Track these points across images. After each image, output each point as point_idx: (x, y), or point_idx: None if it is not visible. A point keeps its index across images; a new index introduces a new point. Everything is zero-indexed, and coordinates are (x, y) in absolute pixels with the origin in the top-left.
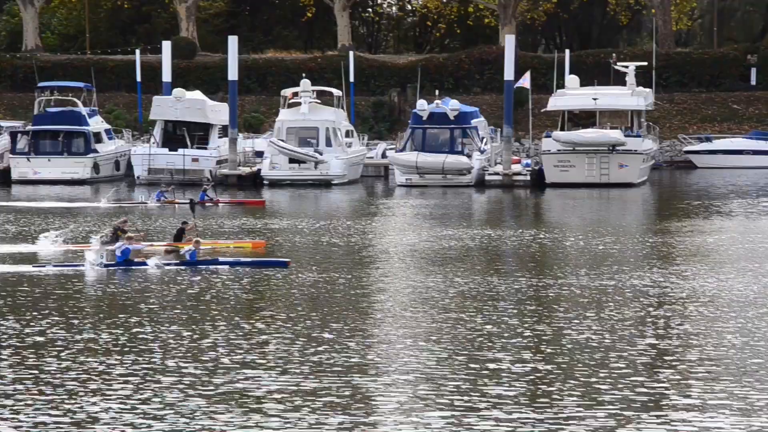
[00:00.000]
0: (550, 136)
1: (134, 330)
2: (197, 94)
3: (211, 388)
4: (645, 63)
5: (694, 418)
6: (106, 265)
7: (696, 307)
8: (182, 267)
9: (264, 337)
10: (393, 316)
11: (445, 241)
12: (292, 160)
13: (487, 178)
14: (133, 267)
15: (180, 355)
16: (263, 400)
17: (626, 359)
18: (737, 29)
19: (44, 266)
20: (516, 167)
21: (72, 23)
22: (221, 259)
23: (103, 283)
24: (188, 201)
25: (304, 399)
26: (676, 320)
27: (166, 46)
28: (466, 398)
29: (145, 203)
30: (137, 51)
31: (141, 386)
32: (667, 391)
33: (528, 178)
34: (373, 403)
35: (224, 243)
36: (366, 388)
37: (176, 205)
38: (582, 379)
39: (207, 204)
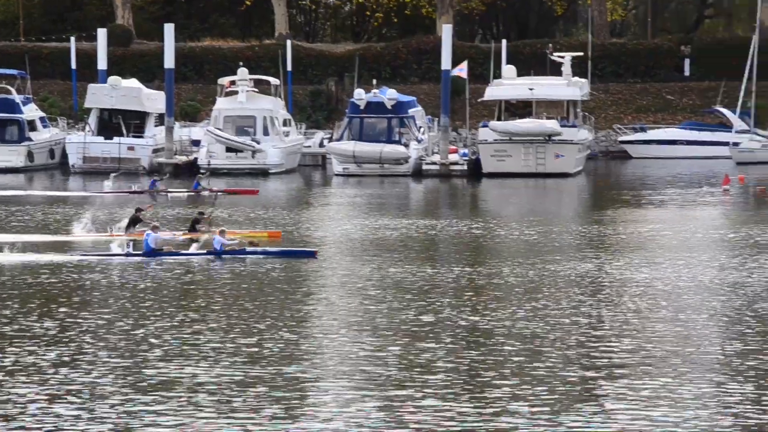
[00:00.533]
0: (486, 126)
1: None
2: (133, 82)
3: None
4: (581, 53)
5: (626, 407)
6: (134, 255)
7: (629, 297)
8: (210, 256)
9: (196, 327)
10: (327, 306)
11: (380, 231)
12: (229, 149)
13: (424, 167)
14: (164, 257)
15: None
16: (184, 391)
17: (560, 348)
18: (671, 20)
19: (71, 254)
20: (453, 157)
21: (5, 10)
22: (248, 248)
23: (136, 272)
24: (190, 190)
25: (237, 389)
26: (609, 309)
27: (102, 33)
28: (400, 388)
29: (141, 192)
30: (72, 38)
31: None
32: (600, 380)
33: (465, 167)
34: (307, 393)
35: (240, 233)
36: (300, 378)
37: (169, 194)
38: (516, 368)
39: (202, 193)
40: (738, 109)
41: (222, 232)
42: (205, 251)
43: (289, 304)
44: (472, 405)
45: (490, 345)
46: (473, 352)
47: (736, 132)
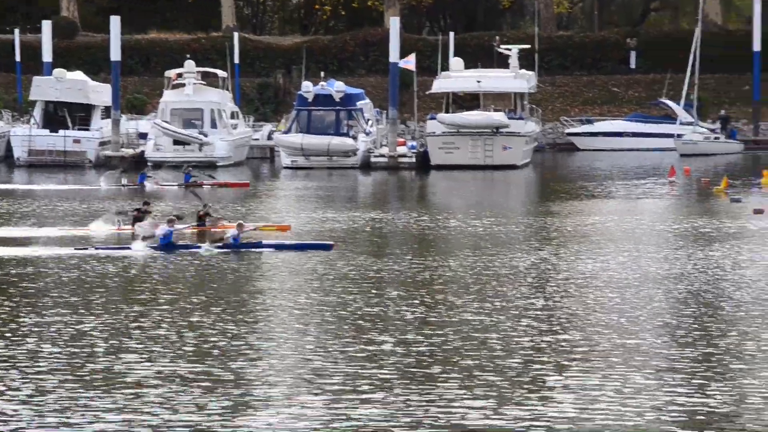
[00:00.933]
0: (434, 119)
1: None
2: (79, 75)
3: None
4: (528, 46)
5: (573, 399)
6: (152, 248)
7: (576, 288)
8: (227, 250)
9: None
10: (274, 299)
11: (328, 224)
12: (176, 142)
13: (373, 160)
14: (182, 250)
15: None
16: (132, 384)
17: (507, 340)
18: (617, 13)
19: (87, 249)
20: (401, 149)
21: None
22: (265, 242)
23: (154, 266)
24: (180, 184)
25: (182, 383)
26: (555, 300)
27: (46, 25)
28: (347, 381)
29: (136, 186)
30: (16, 30)
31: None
32: (547, 372)
33: (413, 160)
34: (254, 387)
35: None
36: (246, 372)
37: (163, 188)
38: (464, 360)
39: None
40: (682, 102)
41: (239, 226)
42: (221, 245)
43: (237, 298)
44: (420, 397)
45: (437, 337)
46: (421, 344)
47: (681, 124)
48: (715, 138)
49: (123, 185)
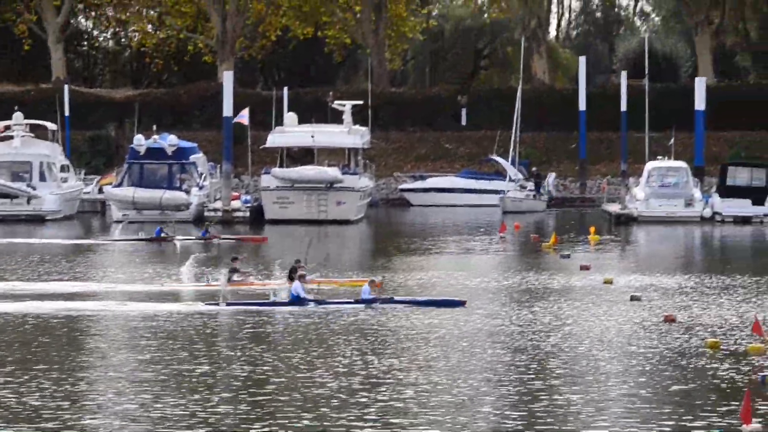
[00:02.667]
0: (269, 173)
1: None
2: None
3: None
4: (361, 102)
5: None
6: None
7: (409, 342)
8: (359, 306)
9: None
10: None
11: (156, 281)
12: (3, 195)
13: (207, 213)
14: (311, 305)
15: None
16: None
17: (333, 397)
18: (449, 70)
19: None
20: (235, 203)
21: None
22: (396, 297)
23: (285, 321)
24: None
25: None
26: (381, 356)
27: None
28: None
29: (150, 240)
30: None
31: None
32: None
33: (247, 214)
34: None
35: (339, 281)
36: None
37: (175, 242)
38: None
39: (209, 240)
40: (510, 158)
41: (372, 282)
42: (352, 300)
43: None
44: None
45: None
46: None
47: (511, 181)
48: (533, 196)
49: (140, 239)
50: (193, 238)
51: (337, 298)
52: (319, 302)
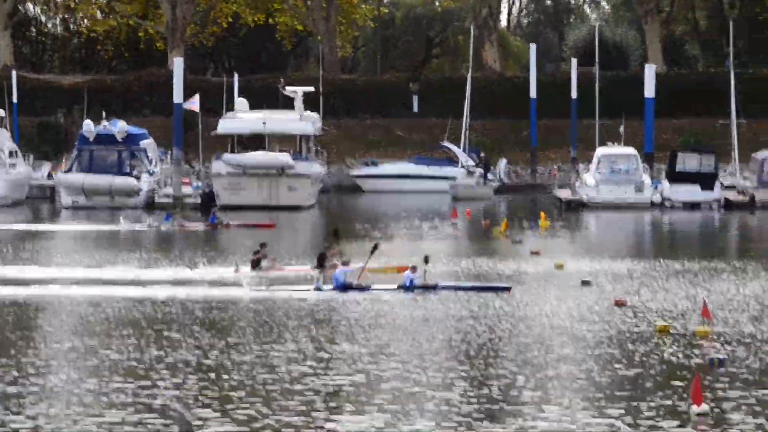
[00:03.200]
0: (220, 159)
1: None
2: None
3: None
4: (312, 89)
5: None
6: (332, 288)
7: (359, 328)
8: (403, 292)
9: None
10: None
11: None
12: None
13: (157, 200)
14: (358, 292)
15: None
16: None
17: (287, 382)
18: (399, 58)
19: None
20: (186, 189)
21: None
22: (442, 283)
23: (343, 307)
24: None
25: None
26: (332, 340)
27: None
28: None
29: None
30: None
31: None
32: (328, 413)
33: (198, 200)
34: None
35: (373, 268)
36: None
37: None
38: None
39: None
40: (461, 145)
41: (413, 269)
42: (395, 286)
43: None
44: None
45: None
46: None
47: (463, 167)
48: (485, 182)
49: (148, 225)
50: (202, 224)
51: (381, 285)
52: (362, 288)
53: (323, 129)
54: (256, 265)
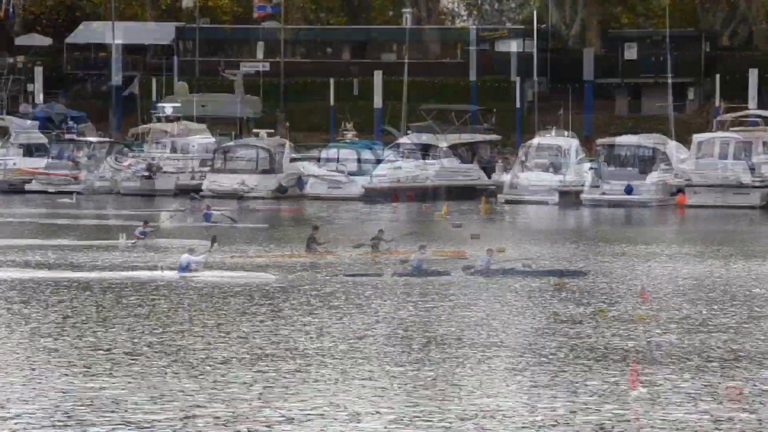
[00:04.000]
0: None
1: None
2: None
3: None
4: (253, 71)
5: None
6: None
7: (300, 312)
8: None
9: None
10: None
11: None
12: None
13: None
14: (434, 277)
15: None
16: None
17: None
18: None
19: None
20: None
21: None
22: (517, 268)
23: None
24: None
25: None
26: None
27: None
28: None
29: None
30: None
31: None
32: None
33: (138, 184)
34: None
35: (446, 251)
36: None
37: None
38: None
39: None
40: (401, 129)
41: (490, 251)
42: (471, 269)
43: None
44: None
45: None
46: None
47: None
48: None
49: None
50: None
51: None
52: (438, 273)
53: (264, 112)
54: (309, 245)
